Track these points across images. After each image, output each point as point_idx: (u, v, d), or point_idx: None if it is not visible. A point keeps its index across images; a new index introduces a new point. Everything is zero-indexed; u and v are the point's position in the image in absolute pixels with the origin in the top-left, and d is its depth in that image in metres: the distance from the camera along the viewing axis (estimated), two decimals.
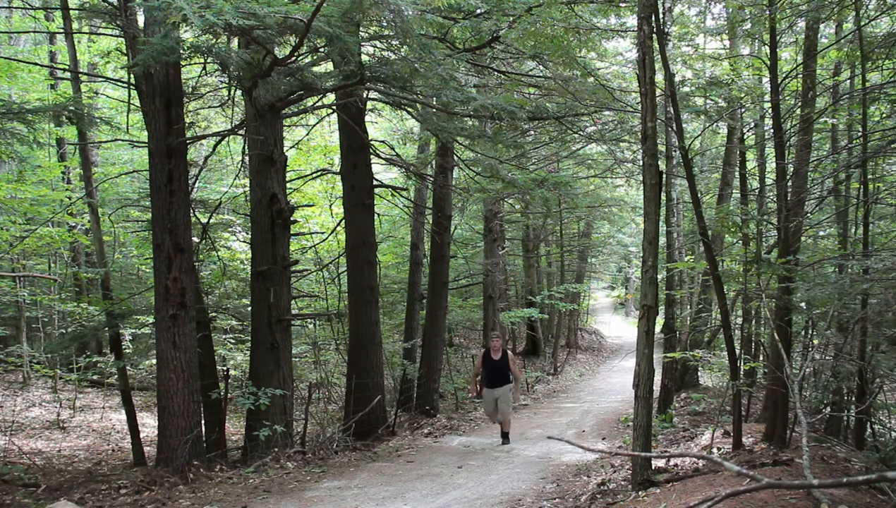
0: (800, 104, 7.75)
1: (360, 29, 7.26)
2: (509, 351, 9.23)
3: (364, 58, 8.06)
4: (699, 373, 13.77)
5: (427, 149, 14.39)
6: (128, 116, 8.08)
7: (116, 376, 10.14)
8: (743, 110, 10.81)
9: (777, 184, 7.00)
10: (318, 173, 12.22)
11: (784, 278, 6.17)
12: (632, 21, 9.66)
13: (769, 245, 9.71)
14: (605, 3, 8.31)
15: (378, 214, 11.97)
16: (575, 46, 8.45)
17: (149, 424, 10.67)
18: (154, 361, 9.05)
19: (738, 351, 7.76)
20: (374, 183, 10.59)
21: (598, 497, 5.61)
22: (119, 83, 9.63)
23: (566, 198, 15.07)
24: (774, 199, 8.21)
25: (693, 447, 7.63)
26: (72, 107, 7.42)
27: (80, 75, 8.92)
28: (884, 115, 8.43)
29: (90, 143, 11.45)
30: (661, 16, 6.25)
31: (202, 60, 7.53)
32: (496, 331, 10.86)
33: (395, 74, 7.17)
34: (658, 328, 16.08)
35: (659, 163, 5.71)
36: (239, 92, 8.00)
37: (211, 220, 9.88)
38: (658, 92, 7.50)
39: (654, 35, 5.55)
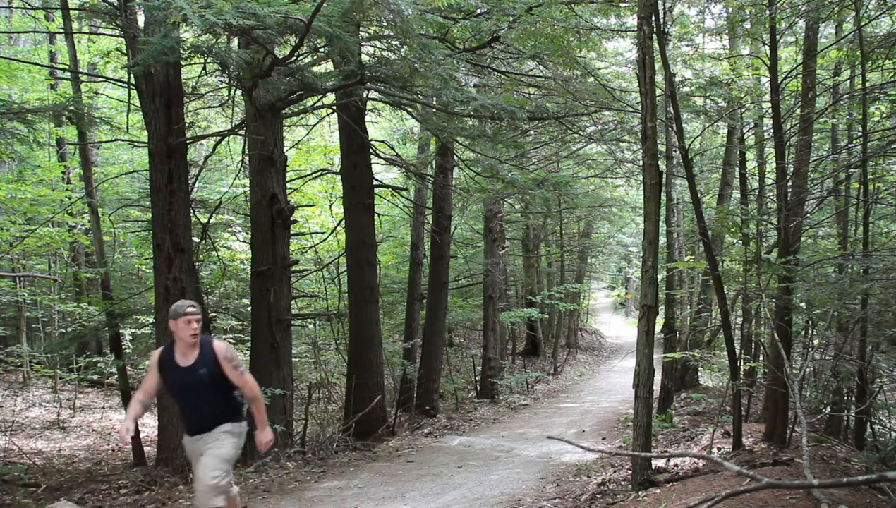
0: (800, 104, 7.75)
1: (360, 29, 7.26)
2: (220, 344, 4.22)
3: (364, 58, 8.06)
4: (699, 373, 13.77)
5: (427, 149, 14.39)
6: (128, 116, 8.08)
7: (116, 376, 10.14)
8: (743, 110, 10.81)
9: (777, 184, 7.01)
10: (318, 173, 12.22)
11: (784, 278, 6.17)
12: (632, 21, 9.65)
13: (769, 245, 9.71)
14: (605, 3, 8.30)
15: (378, 214, 11.96)
16: (575, 46, 8.44)
17: (149, 424, 10.67)
18: None
19: (738, 351, 7.76)
20: (374, 183, 10.59)
21: (598, 497, 5.61)
22: (119, 83, 9.63)
23: (566, 198, 15.09)
24: (774, 199, 8.21)
25: (693, 447, 7.63)
26: (72, 107, 7.42)
27: (80, 75, 8.92)
28: (884, 115, 8.43)
29: (90, 143, 11.45)
30: (661, 16, 6.25)
31: (202, 60, 7.52)
32: (187, 303, 4.23)
33: (395, 74, 7.16)
34: (658, 328, 16.08)
35: (659, 163, 5.72)
36: (239, 92, 8.00)
37: (211, 220, 9.88)
38: (658, 92, 7.50)
39: (654, 35, 5.55)
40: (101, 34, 11.94)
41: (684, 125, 9.29)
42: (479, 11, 7.59)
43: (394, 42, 7.61)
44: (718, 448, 6.57)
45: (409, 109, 9.76)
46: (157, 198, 7.10)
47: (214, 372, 4.12)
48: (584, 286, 26.66)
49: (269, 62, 6.44)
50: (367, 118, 11.03)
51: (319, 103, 10.25)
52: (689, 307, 17.04)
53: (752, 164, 11.91)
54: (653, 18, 5.51)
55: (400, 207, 14.93)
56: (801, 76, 7.30)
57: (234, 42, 7.70)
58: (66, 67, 8.93)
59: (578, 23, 8.06)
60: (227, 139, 10.04)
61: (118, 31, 8.21)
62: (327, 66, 8.97)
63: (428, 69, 6.72)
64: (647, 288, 5.38)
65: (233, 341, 14.05)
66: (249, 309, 9.42)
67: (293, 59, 6.55)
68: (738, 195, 11.60)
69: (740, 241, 9.62)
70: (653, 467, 5.69)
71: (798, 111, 7.96)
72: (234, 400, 4.27)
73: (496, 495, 6.21)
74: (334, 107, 10.25)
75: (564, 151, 14.82)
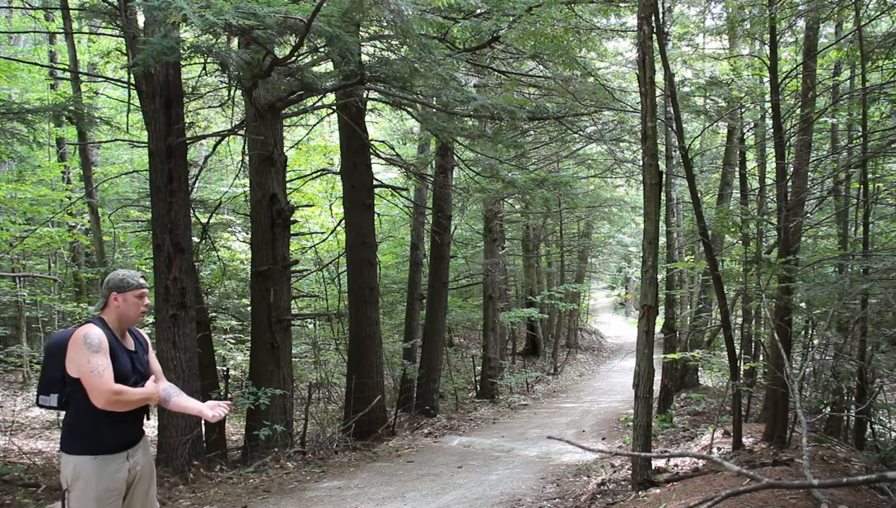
0: (800, 104, 7.75)
1: (360, 29, 7.26)
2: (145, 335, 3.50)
3: (364, 58, 8.06)
4: (699, 373, 13.77)
5: (427, 149, 14.40)
6: (128, 116, 8.07)
7: None
8: (743, 110, 10.81)
9: (777, 184, 7.00)
10: (318, 173, 12.22)
11: (784, 278, 6.17)
12: (632, 21, 9.65)
13: (769, 245, 9.71)
14: (605, 3, 8.30)
15: (378, 214, 11.97)
16: (575, 46, 8.44)
17: (149, 424, 10.67)
18: None
19: (738, 351, 7.76)
20: (374, 183, 10.59)
21: (598, 497, 5.61)
22: (119, 83, 9.63)
23: (566, 198, 15.10)
24: (774, 199, 8.21)
25: (693, 447, 7.63)
26: (72, 107, 7.42)
27: (80, 75, 8.94)
28: (884, 115, 8.42)
29: (90, 143, 11.46)
30: (661, 16, 6.25)
31: (202, 60, 7.53)
32: (136, 272, 3.27)
33: (395, 74, 7.16)
34: (658, 328, 16.09)
35: (659, 163, 5.71)
36: (239, 92, 8.00)
37: (211, 220, 9.88)
38: (658, 92, 7.49)
39: (654, 35, 5.55)
40: (101, 34, 11.94)
41: (684, 125, 9.29)
42: (479, 11, 7.58)
43: (394, 42, 7.61)
44: (718, 448, 6.57)
45: (409, 109, 9.76)
46: (157, 198, 7.10)
47: (149, 362, 3.38)
48: (584, 286, 26.67)
49: (269, 62, 6.44)
50: (367, 118, 11.04)
51: (319, 103, 10.25)
52: (689, 307, 17.05)
53: (752, 164, 11.91)
54: (653, 18, 5.51)
55: (400, 207, 14.93)
56: (801, 76, 7.30)
57: (234, 42, 7.70)
58: (66, 67, 8.94)
59: (578, 23, 8.06)
60: (227, 139, 10.04)
61: (118, 31, 8.21)
62: (327, 66, 8.97)
63: (428, 69, 6.72)
64: (647, 288, 5.38)
65: (233, 341, 14.05)
66: (249, 309, 9.42)
67: (293, 59, 6.55)
68: (738, 195, 11.61)
69: (740, 241, 9.62)
70: (653, 467, 5.69)
71: (798, 111, 7.96)
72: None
73: (496, 495, 6.21)
74: (334, 107, 10.25)
75: (564, 151, 14.82)
